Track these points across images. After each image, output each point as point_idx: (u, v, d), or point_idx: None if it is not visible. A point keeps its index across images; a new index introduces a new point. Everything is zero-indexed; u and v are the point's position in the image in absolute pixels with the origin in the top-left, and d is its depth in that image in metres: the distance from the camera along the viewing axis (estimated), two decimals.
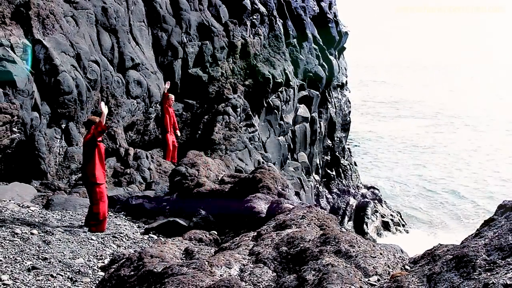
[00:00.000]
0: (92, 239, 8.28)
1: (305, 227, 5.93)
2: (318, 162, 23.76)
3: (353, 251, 4.73)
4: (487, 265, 3.64)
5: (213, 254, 5.79)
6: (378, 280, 4.38)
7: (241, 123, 18.12)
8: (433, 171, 36.45)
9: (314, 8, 24.48)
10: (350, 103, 29.02)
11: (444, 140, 45.76)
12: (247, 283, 4.55)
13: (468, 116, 55.81)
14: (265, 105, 19.36)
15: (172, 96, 15.09)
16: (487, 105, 63.45)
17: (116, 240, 8.50)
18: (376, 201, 25.79)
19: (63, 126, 13.07)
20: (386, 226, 24.59)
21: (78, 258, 7.38)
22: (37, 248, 7.47)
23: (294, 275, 4.57)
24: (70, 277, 6.73)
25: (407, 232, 25.22)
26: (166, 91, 14.67)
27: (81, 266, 7.11)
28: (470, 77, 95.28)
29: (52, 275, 6.65)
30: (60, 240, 7.96)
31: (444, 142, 44.80)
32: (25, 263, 6.89)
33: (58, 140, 12.92)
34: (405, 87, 78.67)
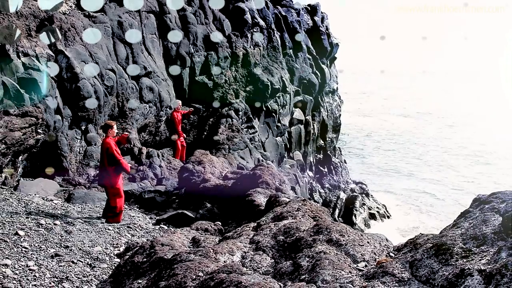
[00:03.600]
0: (109, 229, 8.28)
1: (300, 218, 5.93)
2: (311, 160, 23.74)
3: (343, 240, 4.73)
4: (463, 253, 3.64)
5: (218, 242, 5.78)
6: (366, 266, 4.38)
7: (243, 125, 18.12)
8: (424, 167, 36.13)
9: (308, 22, 24.46)
10: (340, 107, 28.95)
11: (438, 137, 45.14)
12: (248, 269, 4.55)
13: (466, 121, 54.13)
14: (264, 109, 19.35)
15: (179, 102, 15.29)
16: (486, 106, 61.93)
17: (130, 230, 8.50)
18: (363, 195, 25.77)
19: (83, 127, 13.07)
20: (372, 217, 24.57)
21: (96, 246, 7.38)
22: (60, 237, 7.47)
23: (290, 261, 4.57)
24: (89, 263, 6.73)
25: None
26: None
27: (99, 253, 7.11)
28: (469, 78, 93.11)
29: (73, 262, 6.65)
30: (80, 230, 7.96)
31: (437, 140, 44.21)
32: (49, 250, 6.89)
33: (78, 140, 12.92)
34: (403, 89, 77.62)
